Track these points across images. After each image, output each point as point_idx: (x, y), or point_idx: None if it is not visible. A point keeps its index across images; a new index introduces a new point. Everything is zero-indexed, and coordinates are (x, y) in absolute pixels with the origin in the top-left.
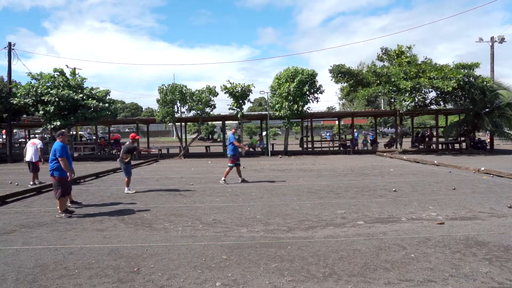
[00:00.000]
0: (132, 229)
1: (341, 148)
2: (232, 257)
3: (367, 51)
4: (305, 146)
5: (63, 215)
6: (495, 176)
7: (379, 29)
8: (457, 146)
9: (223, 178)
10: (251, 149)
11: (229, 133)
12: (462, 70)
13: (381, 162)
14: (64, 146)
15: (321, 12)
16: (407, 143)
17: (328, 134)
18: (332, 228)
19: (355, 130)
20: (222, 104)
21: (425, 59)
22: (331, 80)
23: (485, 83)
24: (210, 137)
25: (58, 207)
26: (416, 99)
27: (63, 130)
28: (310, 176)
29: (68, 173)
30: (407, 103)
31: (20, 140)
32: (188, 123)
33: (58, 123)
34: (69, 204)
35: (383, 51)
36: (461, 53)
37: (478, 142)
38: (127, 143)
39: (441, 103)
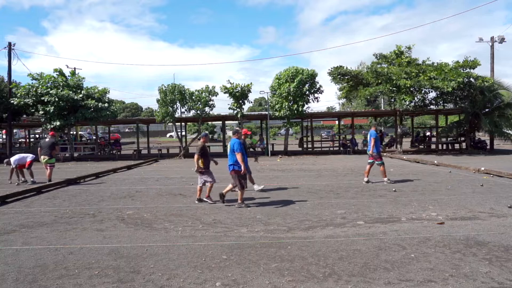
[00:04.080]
0: (132, 229)
1: (341, 148)
2: (232, 257)
3: (368, 51)
4: (305, 146)
5: (243, 205)
6: (495, 176)
7: (381, 28)
8: (457, 146)
9: (385, 179)
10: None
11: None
12: (462, 71)
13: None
14: (240, 143)
15: (323, 11)
16: (407, 143)
17: (328, 133)
18: (332, 228)
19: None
20: (222, 104)
21: (423, 62)
22: (331, 82)
23: (484, 83)
24: (210, 137)
25: (238, 198)
26: (416, 99)
27: (237, 128)
28: (310, 176)
29: (242, 167)
30: (407, 102)
31: (20, 140)
32: (188, 123)
33: (58, 123)
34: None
35: (379, 56)
36: (463, 53)
37: (478, 142)
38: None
39: (441, 103)
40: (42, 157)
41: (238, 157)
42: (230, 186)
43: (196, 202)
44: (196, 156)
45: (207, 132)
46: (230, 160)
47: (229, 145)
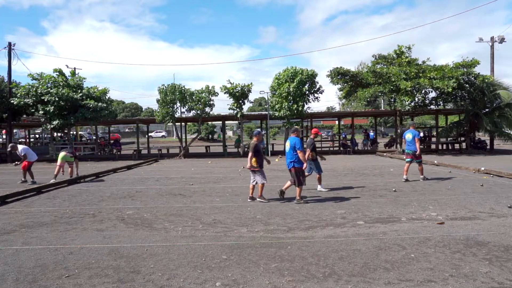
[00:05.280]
0: (132, 229)
1: (341, 148)
2: (232, 257)
3: (369, 50)
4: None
5: (302, 201)
6: (495, 176)
7: (382, 27)
8: (457, 146)
9: (421, 176)
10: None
11: (410, 130)
12: (462, 69)
13: (381, 162)
14: (300, 141)
15: (323, 11)
16: None
17: (328, 133)
18: (332, 228)
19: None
20: (222, 104)
21: (423, 62)
22: (330, 82)
23: (485, 81)
24: (210, 137)
25: (296, 194)
26: (416, 99)
27: (297, 127)
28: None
29: (304, 164)
30: (407, 103)
31: (20, 140)
32: (188, 123)
33: (58, 122)
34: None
35: (378, 57)
36: (463, 53)
37: (478, 142)
38: (309, 139)
39: (441, 103)
40: (65, 153)
41: (301, 155)
42: (289, 183)
43: (249, 200)
44: (250, 154)
45: (259, 129)
46: (290, 157)
47: (288, 143)
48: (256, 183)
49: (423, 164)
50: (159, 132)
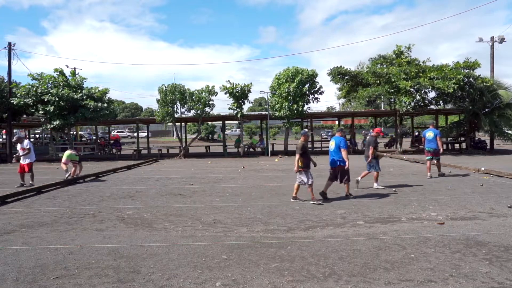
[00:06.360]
0: (132, 229)
1: None
2: (232, 257)
3: (369, 50)
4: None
5: (351, 195)
6: (495, 176)
7: (382, 27)
8: (457, 146)
9: (439, 172)
10: (251, 149)
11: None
12: (462, 71)
13: (381, 162)
14: (345, 140)
15: (323, 11)
16: (407, 143)
17: (328, 133)
18: (332, 228)
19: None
20: (222, 104)
21: (423, 62)
22: (330, 81)
23: (484, 83)
24: (210, 137)
25: (346, 189)
26: (416, 99)
27: (341, 127)
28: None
29: (347, 162)
30: (407, 103)
31: None
32: (188, 123)
33: (58, 122)
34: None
35: (377, 58)
36: (463, 52)
37: (478, 142)
38: (368, 137)
39: (441, 103)
40: (71, 152)
41: (344, 153)
42: (347, 184)
43: (292, 200)
44: (297, 156)
45: (306, 130)
46: (335, 156)
47: (333, 142)
48: (304, 183)
49: (424, 164)
50: (143, 132)
